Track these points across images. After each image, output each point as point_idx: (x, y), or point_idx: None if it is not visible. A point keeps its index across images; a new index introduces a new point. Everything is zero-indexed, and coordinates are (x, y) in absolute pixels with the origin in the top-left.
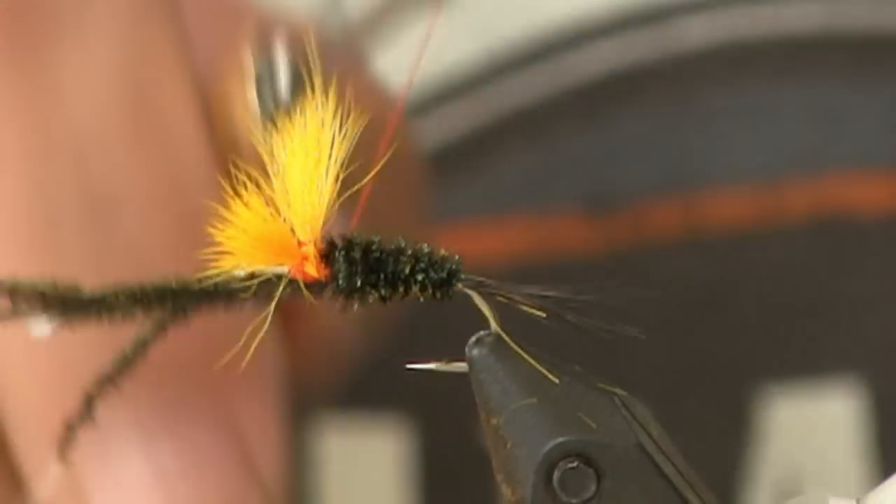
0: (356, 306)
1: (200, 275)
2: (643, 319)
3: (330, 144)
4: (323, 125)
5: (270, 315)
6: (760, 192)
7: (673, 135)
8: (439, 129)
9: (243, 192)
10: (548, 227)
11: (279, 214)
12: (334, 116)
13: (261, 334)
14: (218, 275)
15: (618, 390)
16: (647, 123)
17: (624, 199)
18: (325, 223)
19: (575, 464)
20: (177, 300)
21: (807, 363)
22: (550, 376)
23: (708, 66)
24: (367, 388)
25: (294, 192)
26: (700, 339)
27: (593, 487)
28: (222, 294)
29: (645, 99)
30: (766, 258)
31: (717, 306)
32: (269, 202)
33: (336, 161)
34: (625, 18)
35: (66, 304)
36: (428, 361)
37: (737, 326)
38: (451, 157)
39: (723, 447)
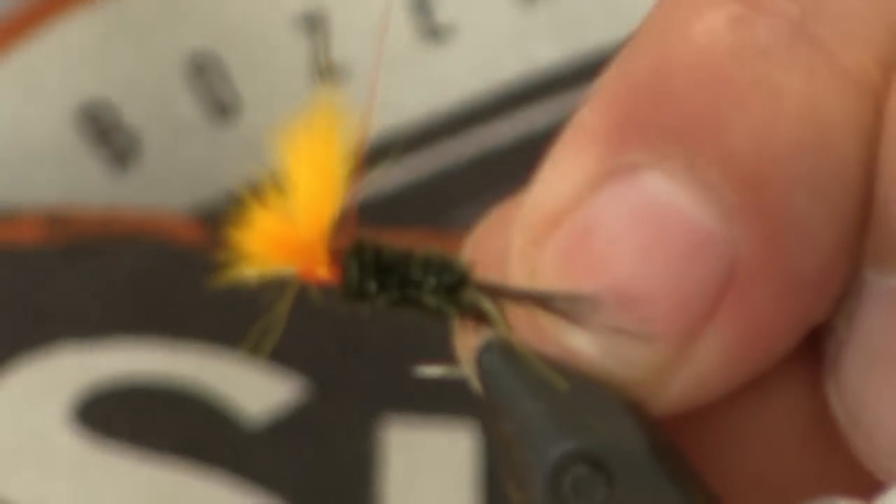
0: (365, 308)
1: (212, 278)
2: None
3: (339, 145)
4: (332, 128)
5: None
6: None
7: None
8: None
9: (257, 195)
10: None
11: (289, 216)
12: (343, 120)
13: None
14: (229, 278)
15: (627, 394)
16: None
17: None
18: (335, 226)
19: (585, 469)
20: None
21: None
22: (560, 381)
23: None
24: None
25: (303, 193)
26: None
27: (604, 493)
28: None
29: None
30: None
31: None
32: (280, 204)
33: (346, 162)
34: None
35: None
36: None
37: None
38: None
39: None
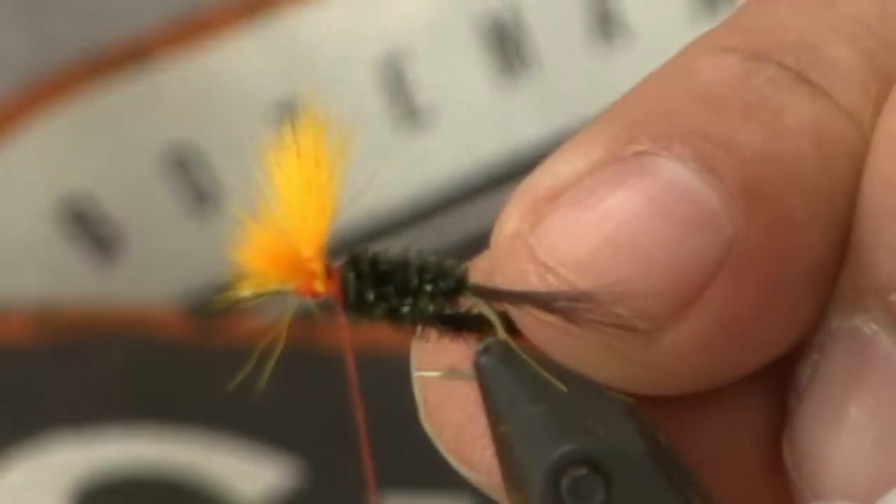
0: (365, 321)
1: (214, 297)
2: None
3: (327, 158)
4: (318, 141)
5: (283, 333)
6: None
7: None
8: None
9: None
10: None
11: (283, 234)
12: (330, 133)
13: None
14: (227, 297)
15: (626, 397)
16: None
17: None
18: (328, 238)
19: (583, 471)
20: None
21: None
22: (558, 383)
23: None
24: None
25: (295, 209)
26: None
27: (602, 495)
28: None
29: None
30: None
31: None
32: (272, 221)
33: (335, 175)
34: None
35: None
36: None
37: None
38: None
39: None
